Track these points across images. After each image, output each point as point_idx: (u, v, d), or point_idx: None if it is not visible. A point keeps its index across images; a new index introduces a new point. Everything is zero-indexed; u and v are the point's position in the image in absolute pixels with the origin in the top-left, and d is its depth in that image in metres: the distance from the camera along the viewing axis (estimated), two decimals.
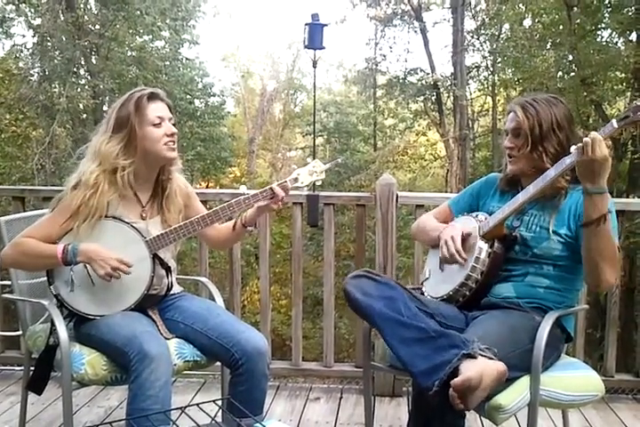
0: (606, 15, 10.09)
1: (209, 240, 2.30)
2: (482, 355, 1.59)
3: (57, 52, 11.84)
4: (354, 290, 1.84)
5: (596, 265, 1.78)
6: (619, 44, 10.43)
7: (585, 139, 1.66)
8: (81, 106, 12.10)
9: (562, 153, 1.87)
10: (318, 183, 2.12)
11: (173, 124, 2.05)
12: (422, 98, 14.71)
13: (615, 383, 2.92)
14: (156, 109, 2.00)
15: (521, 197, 1.89)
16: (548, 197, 1.93)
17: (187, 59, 15.03)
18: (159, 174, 2.09)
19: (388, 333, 1.76)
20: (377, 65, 15.34)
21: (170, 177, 2.10)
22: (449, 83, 13.74)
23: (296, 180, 2.05)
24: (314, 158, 2.11)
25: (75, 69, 12.05)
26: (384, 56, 15.20)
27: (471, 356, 1.59)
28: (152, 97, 2.00)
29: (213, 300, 2.26)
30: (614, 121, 1.70)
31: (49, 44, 11.84)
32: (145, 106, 1.98)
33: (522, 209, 1.94)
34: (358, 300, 1.82)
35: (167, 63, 13.88)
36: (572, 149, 1.75)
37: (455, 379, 1.54)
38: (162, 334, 1.98)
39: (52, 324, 1.94)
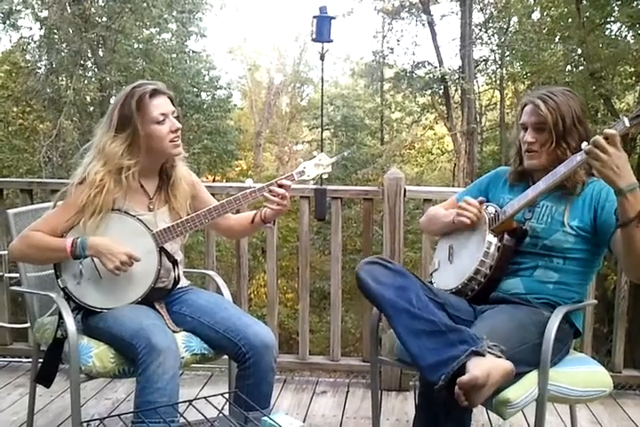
0: (615, 8, 9.99)
1: (223, 230, 2.29)
2: (490, 353, 1.59)
3: (64, 45, 11.85)
4: (366, 276, 1.84)
5: None
6: (628, 38, 10.34)
7: (598, 138, 1.59)
8: (88, 98, 12.14)
9: None
10: (325, 176, 2.12)
11: (177, 117, 2.02)
12: (430, 91, 14.65)
13: (623, 379, 2.91)
14: (159, 106, 1.97)
15: (530, 193, 1.87)
16: (568, 188, 1.89)
17: (193, 51, 14.97)
18: (163, 164, 2.09)
19: (397, 322, 1.75)
20: (384, 58, 15.26)
21: (173, 164, 2.10)
22: (457, 76, 13.66)
23: (302, 173, 2.04)
24: (321, 152, 2.10)
25: (81, 62, 12.06)
26: (391, 49, 15.13)
27: (479, 353, 1.58)
28: (154, 93, 1.97)
29: (221, 293, 2.26)
30: (626, 119, 1.63)
31: (56, 36, 11.85)
32: (147, 104, 1.94)
33: (533, 202, 1.91)
34: (371, 287, 1.82)
35: (174, 56, 13.82)
36: (584, 145, 1.72)
37: (462, 377, 1.54)
38: (169, 327, 1.98)
39: (60, 316, 1.94)
